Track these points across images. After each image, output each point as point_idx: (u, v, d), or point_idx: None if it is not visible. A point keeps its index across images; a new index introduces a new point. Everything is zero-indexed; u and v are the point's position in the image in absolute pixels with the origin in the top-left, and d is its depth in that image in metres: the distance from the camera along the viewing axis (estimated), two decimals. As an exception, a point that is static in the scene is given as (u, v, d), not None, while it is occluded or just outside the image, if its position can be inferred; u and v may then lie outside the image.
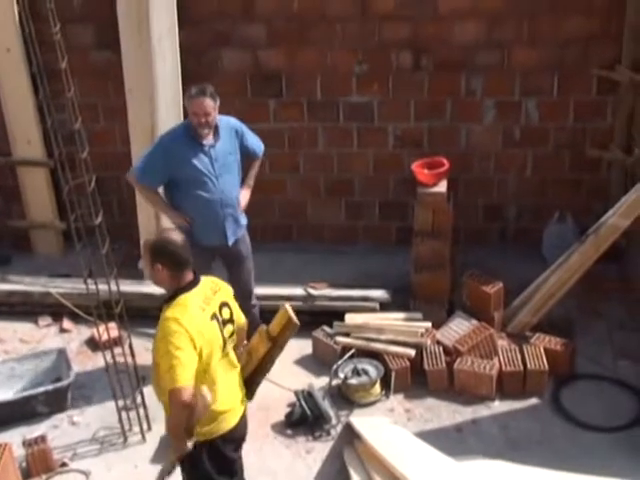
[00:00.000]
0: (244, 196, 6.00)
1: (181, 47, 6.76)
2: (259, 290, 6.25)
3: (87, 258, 5.26)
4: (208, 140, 5.68)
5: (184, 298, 4.09)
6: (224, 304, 4.24)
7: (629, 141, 6.89)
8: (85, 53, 7.16)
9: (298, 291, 6.69)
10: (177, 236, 4.21)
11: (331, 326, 6.34)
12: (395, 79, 7.07)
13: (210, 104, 5.56)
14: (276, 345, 4.52)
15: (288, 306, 4.57)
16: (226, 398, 4.23)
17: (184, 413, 3.95)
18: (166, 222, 6.10)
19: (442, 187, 6.45)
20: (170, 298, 4.12)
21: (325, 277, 6.89)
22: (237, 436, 4.36)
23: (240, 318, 4.46)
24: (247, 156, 5.99)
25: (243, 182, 6.02)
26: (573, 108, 7.02)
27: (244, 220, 6.02)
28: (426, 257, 6.43)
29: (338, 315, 6.41)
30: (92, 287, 5.35)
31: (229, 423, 4.25)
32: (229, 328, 4.24)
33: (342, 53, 7.03)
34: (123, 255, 7.34)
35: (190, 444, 4.05)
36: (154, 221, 6.77)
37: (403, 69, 7.03)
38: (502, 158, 7.26)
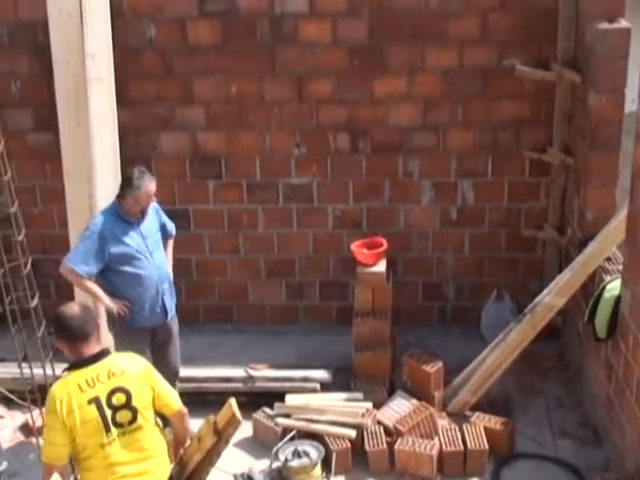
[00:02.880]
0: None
1: (120, 129, 6.77)
2: (199, 372, 6.18)
3: (22, 342, 5.18)
4: (136, 218, 5.72)
5: (70, 375, 4.21)
6: (118, 389, 4.20)
7: (562, 221, 7.05)
8: (23, 136, 7.14)
9: (238, 372, 6.63)
10: (74, 309, 4.26)
11: (272, 407, 6.28)
12: (333, 161, 7.18)
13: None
14: (221, 439, 4.55)
15: (233, 400, 4.59)
16: None
17: None
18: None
19: (381, 267, 6.52)
20: (66, 368, 4.26)
21: (266, 358, 6.85)
22: None
23: (169, 405, 4.43)
24: (164, 235, 6.06)
25: None
26: (507, 189, 7.17)
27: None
28: (366, 337, 6.46)
29: (279, 396, 6.34)
30: (27, 371, 5.26)
31: None
32: (124, 414, 4.20)
33: (280, 136, 7.12)
34: (60, 338, 7.21)
35: None
36: (91, 304, 6.67)
37: (341, 151, 7.14)
38: (440, 238, 7.35)
